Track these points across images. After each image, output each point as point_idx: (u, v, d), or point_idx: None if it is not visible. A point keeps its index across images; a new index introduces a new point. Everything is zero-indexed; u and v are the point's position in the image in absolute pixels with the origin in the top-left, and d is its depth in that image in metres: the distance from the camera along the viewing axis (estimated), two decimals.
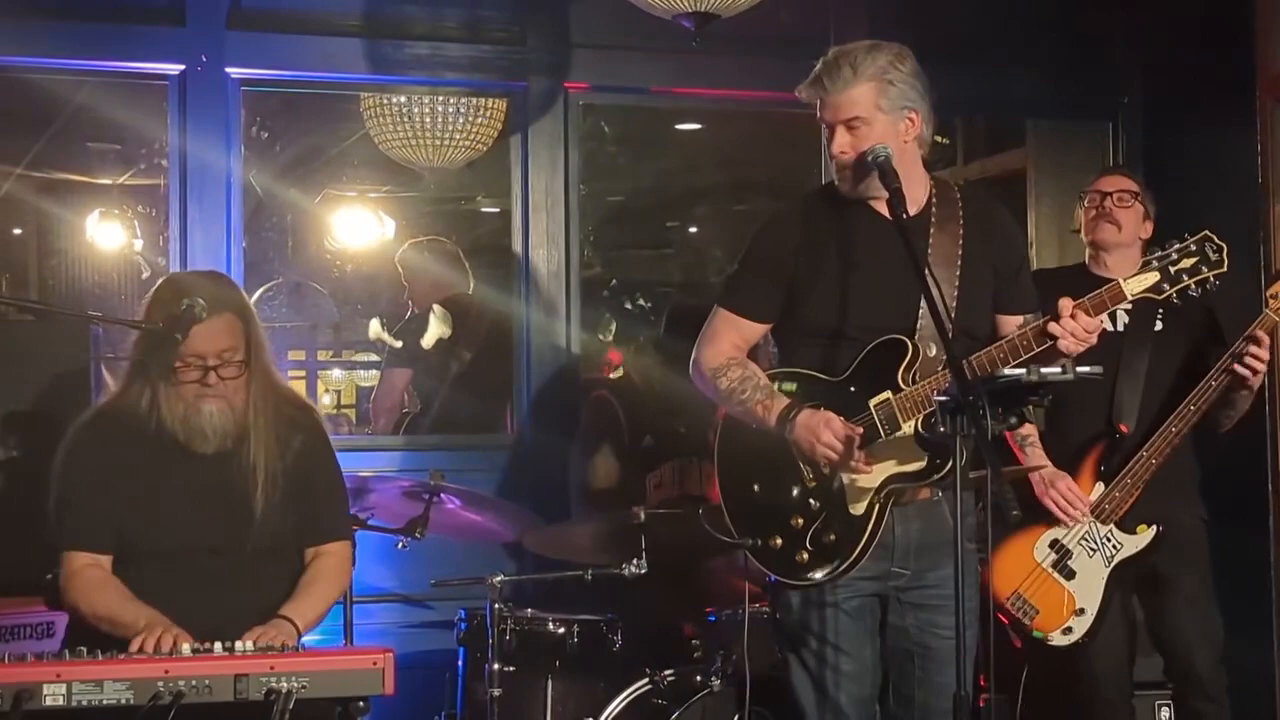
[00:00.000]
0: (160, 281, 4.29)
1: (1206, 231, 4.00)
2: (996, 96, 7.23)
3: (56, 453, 4.20)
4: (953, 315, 4.00)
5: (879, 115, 4.03)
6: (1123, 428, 5.12)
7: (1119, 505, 5.09)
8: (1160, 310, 5.16)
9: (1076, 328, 3.91)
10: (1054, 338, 3.92)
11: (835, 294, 4.09)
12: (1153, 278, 3.97)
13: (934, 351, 4.01)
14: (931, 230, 4.12)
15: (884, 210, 4.05)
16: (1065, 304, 3.93)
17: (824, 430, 3.97)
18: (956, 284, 4.09)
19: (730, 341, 4.22)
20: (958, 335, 3.94)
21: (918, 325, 4.03)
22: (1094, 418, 5.16)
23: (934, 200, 4.17)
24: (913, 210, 4.09)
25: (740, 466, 4.21)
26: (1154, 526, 5.09)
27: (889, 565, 4.12)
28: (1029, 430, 4.97)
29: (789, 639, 4.22)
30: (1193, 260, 3.96)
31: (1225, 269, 3.96)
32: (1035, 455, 4.92)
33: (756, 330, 4.25)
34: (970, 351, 3.96)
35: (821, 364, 4.12)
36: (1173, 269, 3.96)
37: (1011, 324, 4.17)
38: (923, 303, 3.97)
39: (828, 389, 4.08)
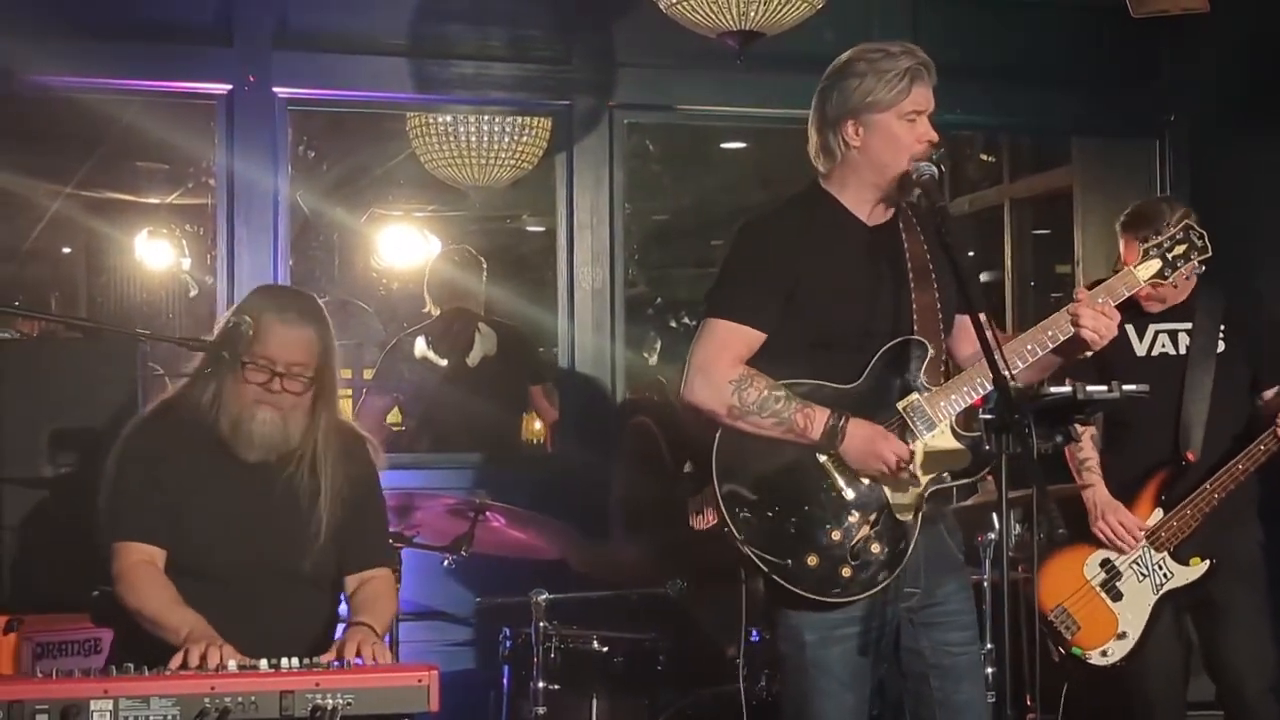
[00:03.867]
0: (250, 294, 4.33)
1: (1187, 221, 4.30)
2: (1042, 115, 7.22)
3: (113, 446, 4.20)
4: (941, 319, 4.01)
5: None
6: (1189, 455, 5.09)
7: (1175, 534, 5.07)
8: (1222, 329, 5.15)
9: (1102, 317, 3.97)
10: (1082, 328, 3.96)
11: (837, 300, 4.00)
12: (1155, 265, 4.16)
13: (933, 352, 3.98)
14: (903, 238, 4.07)
15: (862, 216, 4.05)
16: (1081, 292, 4.03)
17: (883, 443, 3.90)
18: (935, 289, 4.04)
19: (737, 354, 3.99)
20: (945, 339, 3.98)
21: (914, 327, 3.98)
22: (1160, 442, 5.14)
23: (897, 209, 4.11)
24: (885, 217, 4.08)
25: (751, 487, 3.98)
26: (1207, 560, 5.07)
27: (903, 585, 4.01)
28: (1088, 454, 4.94)
29: (800, 673, 4.04)
30: (1183, 247, 4.17)
31: (1210, 253, 4.17)
32: (1091, 479, 4.90)
33: (758, 341, 4.01)
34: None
35: (823, 373, 3.99)
36: (1169, 255, 4.17)
37: (965, 322, 4.06)
38: (914, 303, 3.97)
39: (843, 397, 3.97)
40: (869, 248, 4.03)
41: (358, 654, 3.83)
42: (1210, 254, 4.18)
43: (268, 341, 4.07)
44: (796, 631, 4.01)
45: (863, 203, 4.07)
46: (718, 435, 4.01)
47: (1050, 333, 3.99)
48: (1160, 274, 4.16)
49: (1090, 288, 4.16)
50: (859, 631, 3.98)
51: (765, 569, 3.93)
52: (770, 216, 4.21)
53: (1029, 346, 3.98)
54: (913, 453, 3.92)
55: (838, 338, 4.00)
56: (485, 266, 7.69)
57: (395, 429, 7.69)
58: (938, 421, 3.94)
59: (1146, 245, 4.18)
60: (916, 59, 4.00)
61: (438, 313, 7.54)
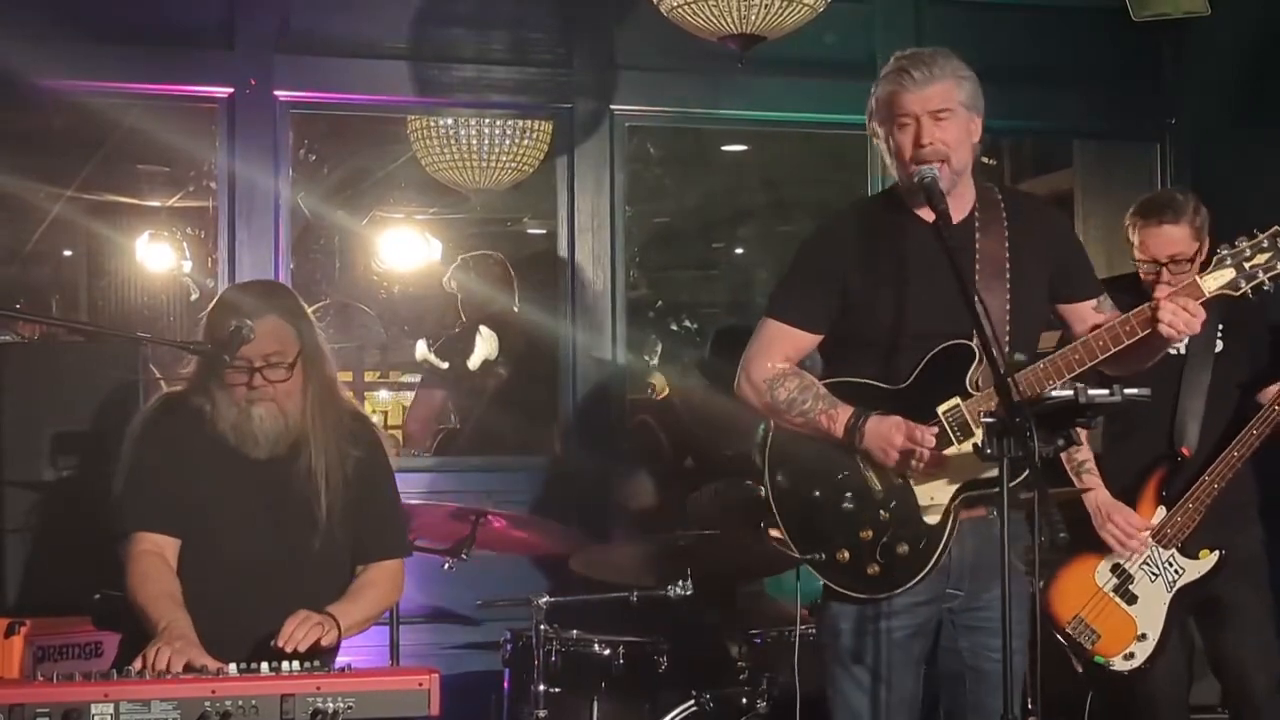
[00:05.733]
0: (215, 300, 4.33)
1: (1277, 227, 3.88)
2: (1044, 117, 7.21)
3: (127, 433, 4.22)
4: (1008, 323, 4.00)
5: (960, 109, 4.03)
6: (1185, 451, 5.09)
7: (1181, 530, 5.06)
8: (1221, 329, 5.14)
9: (1182, 312, 3.86)
10: (1159, 320, 3.87)
11: (890, 302, 4.05)
12: (1228, 274, 3.88)
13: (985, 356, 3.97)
14: (977, 237, 4.08)
15: (929, 217, 4.03)
16: (1163, 289, 4.03)
17: (898, 436, 3.93)
18: (1008, 291, 4.05)
19: (782, 353, 4.14)
20: (1012, 343, 3.95)
21: (972, 331, 3.96)
22: (1155, 440, 5.13)
23: (977, 206, 4.13)
24: (957, 218, 4.07)
25: (796, 481, 4.11)
26: (1216, 552, 5.07)
27: (945, 586, 4.06)
28: (1085, 455, 4.94)
29: (834, 664, 4.15)
30: (1266, 255, 3.85)
31: None
32: (1091, 482, 4.89)
33: (809, 341, 4.17)
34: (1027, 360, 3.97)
35: (877, 373, 4.07)
36: (1247, 265, 3.86)
37: (1085, 309, 4.14)
38: (977, 308, 3.96)
39: (890, 397, 4.02)
40: (934, 249, 3.97)
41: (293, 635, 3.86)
42: None
43: None
44: (834, 622, 4.13)
45: (923, 205, 4.05)
46: (771, 427, 4.16)
47: (1128, 326, 3.92)
48: (1232, 284, 3.89)
49: (1108, 282, 4.12)
50: (894, 626, 4.06)
51: (799, 559, 4.09)
52: (835, 216, 4.38)
53: (1101, 341, 3.94)
54: (937, 435, 3.93)
55: (889, 338, 4.06)
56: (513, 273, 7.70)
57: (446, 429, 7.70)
58: (974, 428, 3.93)
59: (1221, 253, 3.92)
60: (904, 66, 4.02)
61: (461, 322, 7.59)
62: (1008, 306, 4.04)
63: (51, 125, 7.81)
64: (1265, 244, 3.86)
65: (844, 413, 4.02)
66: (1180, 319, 3.87)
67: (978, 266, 4.04)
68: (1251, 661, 5.15)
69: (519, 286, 7.76)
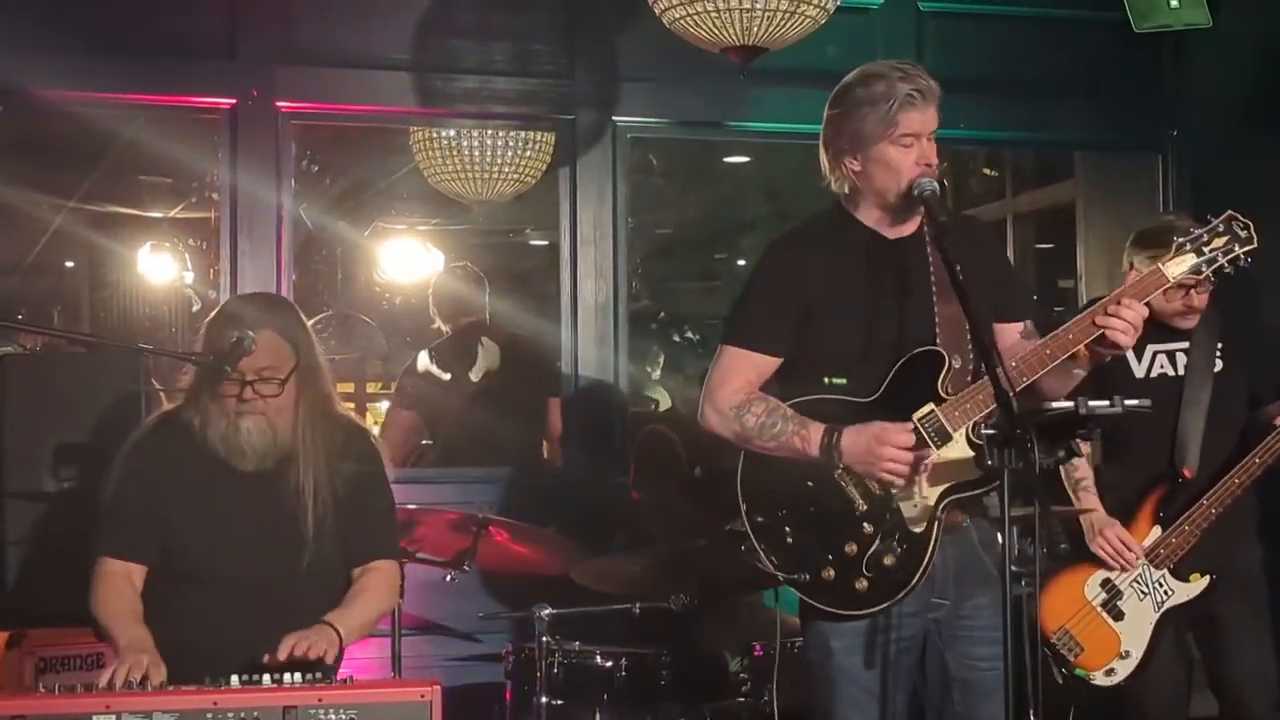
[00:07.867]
0: (215, 310, 4.33)
1: (1230, 211, 3.99)
2: (1045, 129, 7.22)
3: (118, 456, 4.23)
4: (968, 329, 3.98)
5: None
6: (1186, 472, 5.07)
7: (1175, 551, 5.05)
8: (1220, 348, 5.13)
9: (1129, 314, 3.85)
10: (1103, 328, 3.86)
11: (853, 316, 4.04)
12: (1189, 260, 3.95)
13: (959, 363, 3.97)
14: (929, 251, 4.08)
15: (883, 231, 4.08)
16: (1114, 297, 3.93)
17: (881, 446, 3.90)
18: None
19: (745, 379, 4.09)
20: (970, 353, 3.95)
21: (936, 340, 3.99)
22: (1156, 459, 5.10)
23: (925, 221, 4.11)
24: (908, 231, 4.10)
25: (773, 502, 4.05)
26: (1207, 576, 5.05)
27: (930, 595, 4.03)
28: (1084, 474, 4.93)
29: (826, 683, 4.09)
30: (1224, 239, 3.94)
31: (1255, 244, 3.95)
32: (1089, 501, 4.87)
33: (771, 365, 4.11)
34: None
35: (846, 387, 4.04)
36: (1206, 249, 3.95)
37: (1012, 331, 4.13)
38: (937, 317, 3.98)
39: (861, 410, 3.99)
40: (889, 261, 4.05)
41: (292, 652, 3.83)
42: (1256, 245, 3.95)
43: None
44: (823, 640, 4.07)
45: (879, 218, 4.10)
46: (742, 452, 4.09)
47: (1071, 335, 3.92)
48: (1194, 268, 3.96)
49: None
50: (885, 641, 4.02)
51: (784, 583, 4.02)
52: (786, 237, 4.30)
53: (1047, 350, 3.94)
54: (916, 435, 3.91)
55: (855, 352, 4.04)
56: (487, 282, 7.69)
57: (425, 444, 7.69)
58: (952, 432, 3.92)
59: (1181, 239, 3.98)
60: (911, 84, 4.00)
61: (447, 329, 7.55)
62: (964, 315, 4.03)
63: (54, 136, 7.80)
64: (1221, 228, 3.96)
65: (816, 431, 3.97)
66: (1120, 316, 3.85)
67: (933, 278, 4.04)
68: (1249, 682, 5.14)
69: (522, 298, 7.77)
